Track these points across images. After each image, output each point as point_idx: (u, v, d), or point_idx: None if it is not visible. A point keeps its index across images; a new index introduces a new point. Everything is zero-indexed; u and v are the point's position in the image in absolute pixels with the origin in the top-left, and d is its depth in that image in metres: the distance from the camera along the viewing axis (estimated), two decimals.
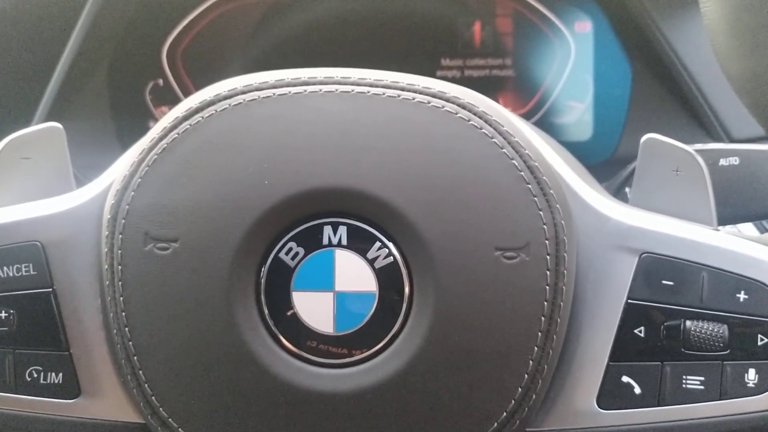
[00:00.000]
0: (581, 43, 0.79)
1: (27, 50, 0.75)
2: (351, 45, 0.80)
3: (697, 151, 0.46)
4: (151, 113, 0.80)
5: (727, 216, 0.55)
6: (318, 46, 0.80)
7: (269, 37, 0.80)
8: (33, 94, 0.76)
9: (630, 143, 0.78)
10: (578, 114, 0.81)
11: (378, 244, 0.40)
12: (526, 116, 0.81)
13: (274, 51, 0.80)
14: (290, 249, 0.40)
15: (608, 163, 0.79)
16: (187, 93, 0.80)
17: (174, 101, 0.80)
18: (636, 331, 0.42)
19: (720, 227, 0.46)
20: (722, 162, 0.55)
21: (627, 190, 0.60)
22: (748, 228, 0.67)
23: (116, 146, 0.79)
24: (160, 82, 0.80)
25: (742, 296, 0.41)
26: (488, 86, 0.81)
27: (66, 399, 0.43)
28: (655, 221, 0.43)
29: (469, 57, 0.80)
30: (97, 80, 0.78)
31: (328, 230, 0.40)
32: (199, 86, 0.80)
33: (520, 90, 0.81)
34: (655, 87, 0.78)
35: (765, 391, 0.41)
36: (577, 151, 0.72)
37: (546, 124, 0.81)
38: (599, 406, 0.42)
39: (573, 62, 0.80)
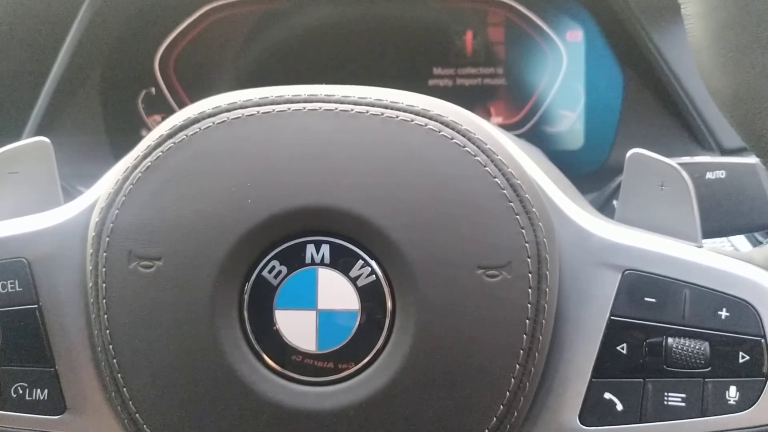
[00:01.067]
0: (573, 52, 0.79)
1: (18, 60, 0.75)
2: (343, 54, 0.80)
3: (683, 164, 0.46)
4: (143, 122, 0.81)
5: (714, 229, 0.55)
6: (310, 54, 0.80)
7: (261, 46, 0.80)
8: (25, 103, 0.76)
9: (621, 152, 0.77)
10: (570, 123, 0.81)
11: (360, 262, 0.40)
12: (518, 125, 0.81)
13: (266, 59, 0.80)
14: (273, 267, 0.40)
15: (600, 171, 0.79)
16: (179, 101, 0.80)
17: (166, 110, 0.80)
18: (618, 347, 0.42)
19: (708, 240, 0.46)
20: (709, 175, 0.55)
21: (615, 202, 0.60)
22: (740, 240, 0.67)
23: (109, 156, 0.79)
24: (153, 90, 0.80)
25: (723, 314, 0.42)
26: (480, 95, 0.81)
27: (51, 415, 0.43)
28: (638, 238, 0.43)
29: (461, 66, 0.80)
30: (90, 89, 0.78)
31: (310, 249, 0.40)
32: (191, 94, 0.81)
33: (512, 99, 0.81)
34: (647, 96, 0.78)
35: (746, 409, 0.41)
36: (569, 160, 0.73)
37: (537, 133, 0.81)
38: (581, 423, 0.42)
39: (565, 71, 0.80)
